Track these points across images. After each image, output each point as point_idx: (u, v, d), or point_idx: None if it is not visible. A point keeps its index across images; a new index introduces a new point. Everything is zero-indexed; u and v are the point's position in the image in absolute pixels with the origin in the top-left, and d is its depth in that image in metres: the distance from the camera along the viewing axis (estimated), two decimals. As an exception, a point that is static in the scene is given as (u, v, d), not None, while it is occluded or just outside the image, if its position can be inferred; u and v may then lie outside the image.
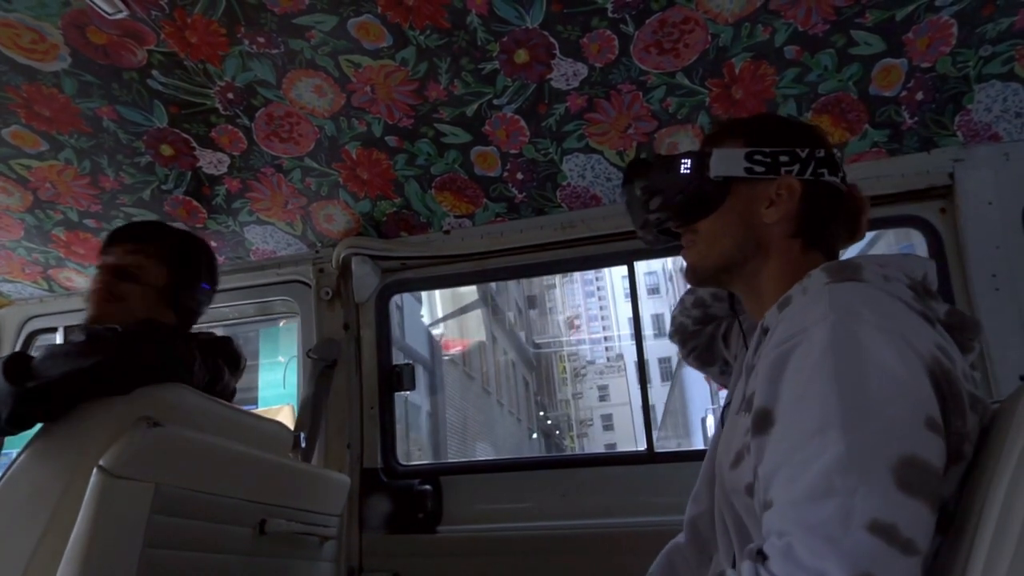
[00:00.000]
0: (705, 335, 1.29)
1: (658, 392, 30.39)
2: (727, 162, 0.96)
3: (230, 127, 1.71)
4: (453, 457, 15.18)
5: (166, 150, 1.77)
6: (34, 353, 1.36)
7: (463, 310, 18.58)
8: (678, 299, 1.35)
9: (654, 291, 35.58)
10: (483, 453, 17.58)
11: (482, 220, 1.93)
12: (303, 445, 1.82)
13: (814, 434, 0.68)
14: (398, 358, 2.11)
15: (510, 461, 3.18)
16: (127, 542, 1.05)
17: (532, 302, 30.77)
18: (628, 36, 1.45)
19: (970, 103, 1.55)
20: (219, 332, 1.73)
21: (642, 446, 1.88)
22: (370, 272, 2.02)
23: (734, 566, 0.87)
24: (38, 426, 1.21)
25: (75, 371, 1.18)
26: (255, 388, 8.43)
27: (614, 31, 1.44)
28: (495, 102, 1.61)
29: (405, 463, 2.04)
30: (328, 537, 1.56)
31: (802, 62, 1.49)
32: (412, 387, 2.08)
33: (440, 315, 17.08)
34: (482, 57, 1.50)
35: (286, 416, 3.13)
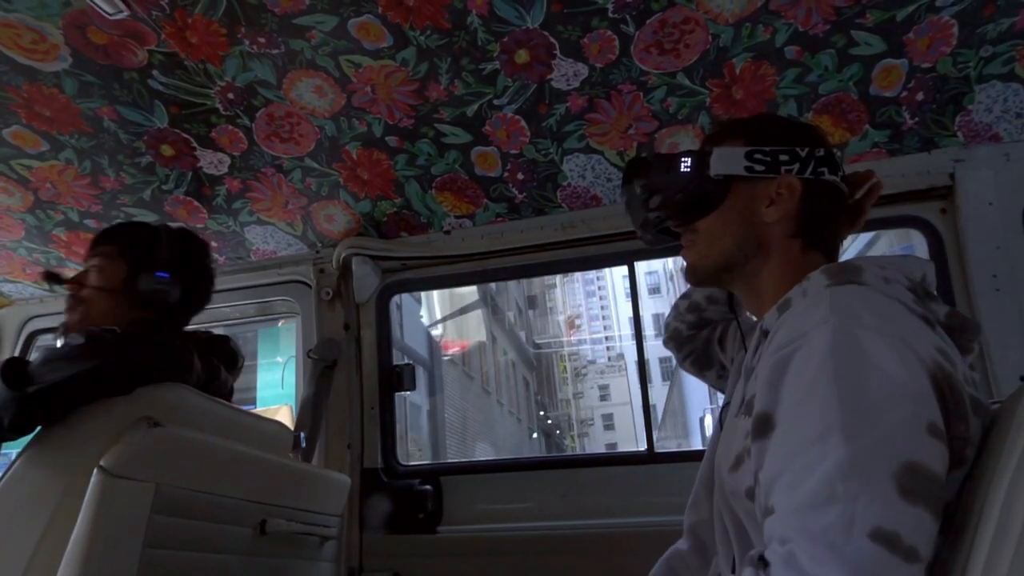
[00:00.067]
0: (701, 339, 1.29)
1: (659, 392, 30.40)
2: (727, 161, 0.96)
3: (230, 127, 1.71)
4: (452, 457, 15.17)
5: (167, 150, 1.77)
6: (35, 353, 1.35)
7: (463, 310, 18.58)
8: (673, 304, 1.35)
9: (655, 291, 35.59)
10: (483, 453, 17.57)
11: (482, 220, 1.93)
12: (303, 445, 1.82)
13: (815, 440, 0.68)
14: (397, 358, 2.11)
15: (510, 461, 3.19)
16: (127, 542, 1.05)
17: (532, 302, 30.76)
18: (629, 36, 1.45)
19: (971, 103, 1.55)
20: (218, 332, 1.72)
21: (643, 446, 1.88)
22: (370, 272, 2.02)
23: (734, 570, 0.87)
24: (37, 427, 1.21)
25: (75, 375, 1.18)
26: (254, 388, 8.44)
27: (614, 31, 1.44)
28: (495, 102, 1.61)
29: (405, 463, 2.04)
30: (328, 537, 1.56)
31: (803, 62, 1.49)
32: (412, 387, 2.08)
33: (439, 315, 17.08)
34: (482, 57, 1.50)
35: (284, 416, 3.13)
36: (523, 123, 1.66)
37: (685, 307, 1.29)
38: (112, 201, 1.92)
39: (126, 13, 1.39)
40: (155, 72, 1.55)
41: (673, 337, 1.32)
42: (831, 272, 0.85)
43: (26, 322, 2.36)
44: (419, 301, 13.47)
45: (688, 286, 1.21)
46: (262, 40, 1.48)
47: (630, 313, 2.12)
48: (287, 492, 1.44)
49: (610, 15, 1.40)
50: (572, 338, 36.57)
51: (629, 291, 2.09)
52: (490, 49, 1.48)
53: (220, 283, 2.05)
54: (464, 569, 1.82)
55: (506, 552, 1.80)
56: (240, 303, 2.21)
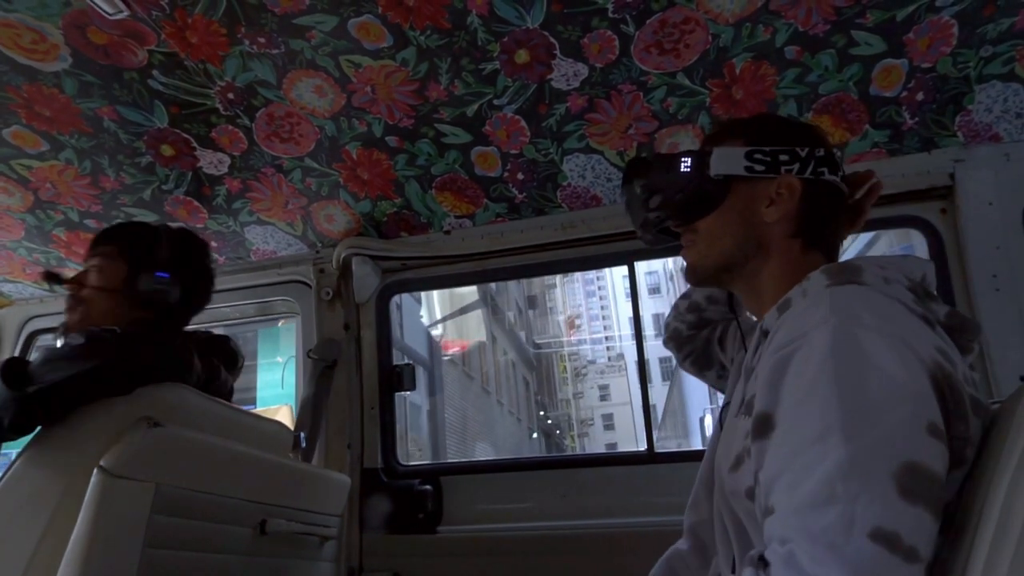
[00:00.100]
0: (701, 339, 1.29)
1: (659, 392, 30.40)
2: (727, 161, 0.96)
3: (230, 127, 1.71)
4: (452, 457, 15.17)
5: (167, 150, 1.77)
6: (35, 353, 1.35)
7: (463, 310, 18.58)
8: (673, 304, 1.34)
9: (655, 291, 35.60)
10: (482, 453, 17.58)
11: (482, 220, 1.93)
12: (303, 445, 1.82)
13: (815, 440, 0.68)
14: (397, 358, 2.11)
15: (510, 461, 3.19)
16: (127, 542, 1.05)
17: (532, 302, 30.76)
18: (629, 36, 1.45)
19: (971, 103, 1.55)
20: (218, 332, 1.72)
21: (643, 446, 1.88)
22: (370, 272, 2.02)
23: (734, 570, 0.87)
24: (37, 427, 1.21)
25: (75, 375, 1.18)
26: (253, 388, 8.44)
27: (615, 31, 1.44)
28: (495, 102, 1.61)
29: (405, 463, 2.04)
30: (328, 537, 1.56)
31: (803, 62, 1.49)
32: (412, 387, 2.08)
33: (439, 316, 17.08)
34: (482, 57, 1.50)
35: (284, 416, 3.13)
36: (523, 123, 1.66)
37: (685, 307, 1.29)
38: (112, 201, 1.92)
39: (126, 13, 1.39)
40: (155, 72, 1.55)
41: (673, 337, 1.32)
42: (831, 272, 0.85)
43: (26, 322, 2.36)
44: (419, 301, 13.48)
45: (688, 286, 1.21)
46: (262, 40, 1.48)
47: (630, 313, 2.12)
48: (287, 492, 1.44)
49: (610, 15, 1.40)
50: (572, 338, 36.57)
51: (629, 291, 2.09)
52: (490, 49, 1.48)
53: (220, 283, 2.04)
54: (464, 569, 1.82)
55: (506, 552, 1.80)
56: (240, 303, 2.21)
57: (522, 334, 26.76)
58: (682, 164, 0.99)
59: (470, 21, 1.42)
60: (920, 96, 1.54)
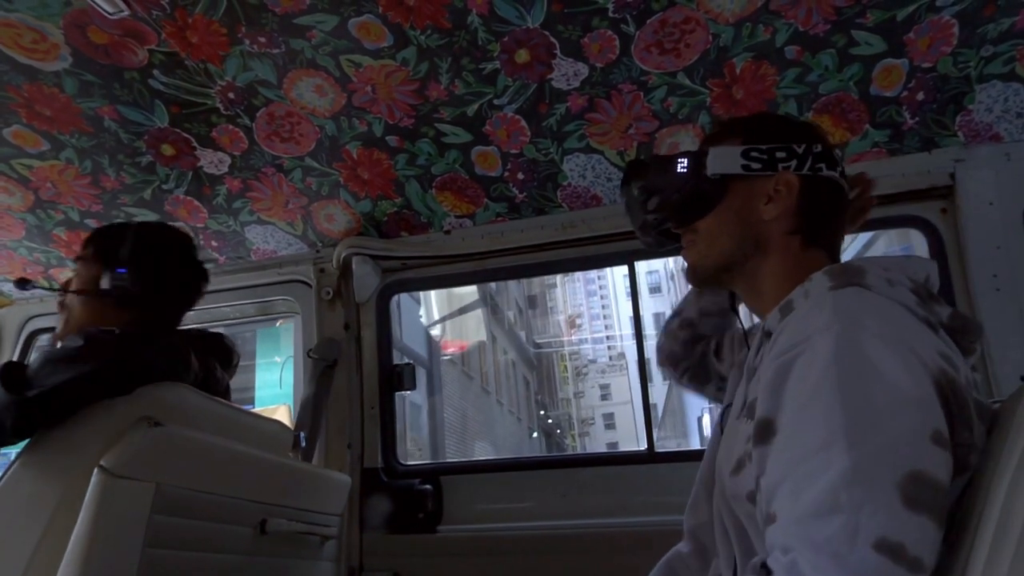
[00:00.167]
0: (696, 355, 1.27)
1: (659, 391, 30.38)
2: (723, 160, 0.96)
3: (231, 127, 1.71)
4: (451, 456, 15.17)
5: (167, 150, 1.77)
6: (35, 353, 1.35)
7: (462, 310, 18.57)
8: (664, 326, 1.32)
9: (655, 290, 35.60)
10: (482, 452, 17.58)
11: (483, 220, 1.93)
12: (303, 445, 1.82)
13: (819, 448, 0.67)
14: (397, 358, 2.11)
15: (510, 461, 3.19)
16: (128, 542, 1.05)
17: (532, 302, 30.75)
18: (629, 36, 1.45)
19: (971, 103, 1.55)
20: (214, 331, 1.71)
21: (643, 445, 1.88)
22: (371, 272, 2.02)
23: (735, 572, 0.86)
24: (38, 429, 1.21)
25: (75, 377, 1.17)
26: (252, 388, 8.44)
27: (615, 31, 1.44)
28: (496, 102, 1.61)
29: (405, 463, 2.04)
30: (329, 537, 1.56)
31: (803, 62, 1.49)
32: (413, 387, 2.08)
33: (438, 315, 17.07)
34: (483, 57, 1.50)
35: (282, 416, 3.13)
36: (523, 123, 1.66)
37: (677, 325, 1.28)
38: (112, 201, 1.92)
39: (126, 13, 1.39)
40: (156, 72, 1.55)
41: (668, 357, 1.30)
42: (834, 273, 0.84)
43: (26, 322, 2.36)
44: (418, 302, 13.48)
45: (681, 295, 1.21)
46: (262, 40, 1.48)
47: (631, 312, 2.12)
48: (287, 492, 1.44)
49: (610, 15, 1.40)
50: (573, 337, 36.58)
51: (629, 291, 2.09)
52: (490, 49, 1.48)
53: (220, 283, 2.04)
54: (464, 569, 1.82)
55: (506, 552, 1.80)
56: (240, 303, 2.20)
57: (522, 334, 26.76)
58: (679, 165, 0.99)
59: (470, 21, 1.42)
60: (920, 96, 1.54)
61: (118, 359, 1.23)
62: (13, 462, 1.17)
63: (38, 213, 1.97)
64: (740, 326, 1.13)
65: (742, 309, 1.16)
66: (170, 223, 1.60)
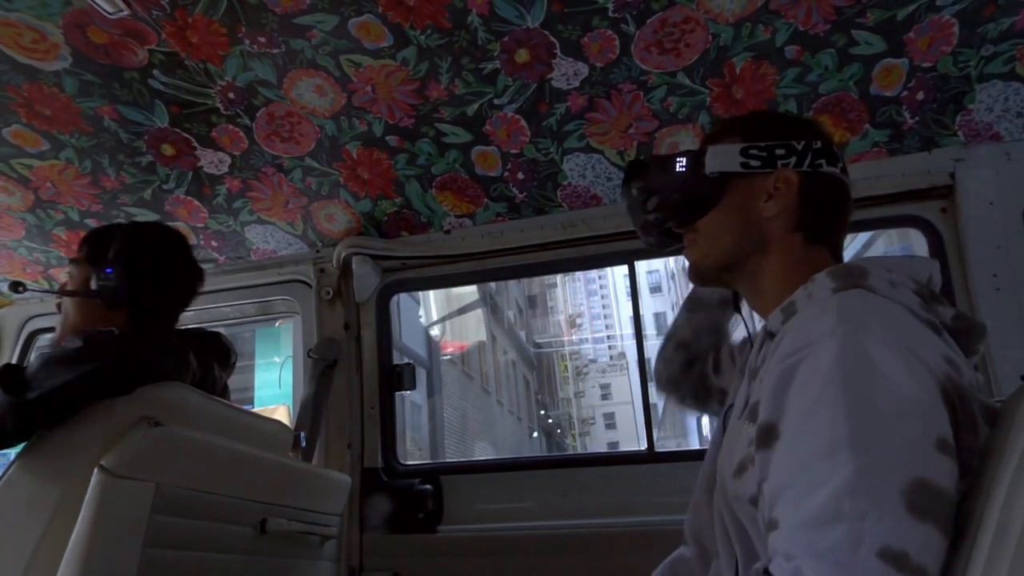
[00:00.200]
0: (695, 376, 1.25)
1: (659, 391, 30.31)
2: (722, 158, 0.96)
3: (231, 127, 1.71)
4: (451, 456, 15.17)
5: (167, 150, 1.77)
6: (35, 353, 1.35)
7: (462, 310, 18.57)
8: (658, 353, 1.30)
9: (656, 289, 35.60)
10: (482, 452, 17.57)
11: (483, 220, 1.93)
12: (303, 445, 1.82)
13: (822, 456, 0.67)
14: (396, 359, 2.11)
15: (510, 461, 3.19)
16: (128, 542, 1.05)
17: (533, 301, 30.75)
18: (629, 36, 1.45)
19: (971, 103, 1.55)
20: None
21: (643, 445, 1.88)
22: (371, 272, 2.02)
23: (737, 573, 0.86)
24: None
25: (76, 378, 1.17)
26: (251, 388, 8.44)
27: (615, 31, 1.44)
28: (496, 102, 1.61)
29: (405, 463, 2.04)
30: (329, 536, 1.56)
31: (803, 62, 1.49)
32: (413, 387, 2.08)
33: (438, 316, 17.07)
34: (483, 57, 1.50)
35: (282, 416, 3.13)
36: (523, 122, 1.66)
37: (672, 349, 1.26)
38: (112, 201, 1.92)
39: (126, 12, 1.39)
40: (156, 72, 1.55)
41: (668, 383, 1.28)
42: (837, 275, 0.83)
43: (26, 322, 2.36)
44: (418, 301, 13.47)
45: (679, 299, 1.20)
46: (262, 40, 1.48)
47: (631, 312, 2.11)
48: (287, 491, 1.44)
49: (610, 14, 1.40)
50: (573, 337, 36.57)
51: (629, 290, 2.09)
52: (490, 48, 1.48)
53: (220, 283, 2.04)
54: (464, 569, 1.82)
55: (506, 552, 1.80)
56: (240, 303, 2.20)
57: (522, 333, 26.76)
58: (678, 164, 0.98)
59: (470, 20, 1.42)
60: (920, 95, 1.54)
61: (118, 359, 1.23)
62: (13, 462, 1.17)
63: (38, 213, 1.97)
64: (746, 327, 1.13)
65: (745, 310, 1.16)
66: (168, 223, 1.60)
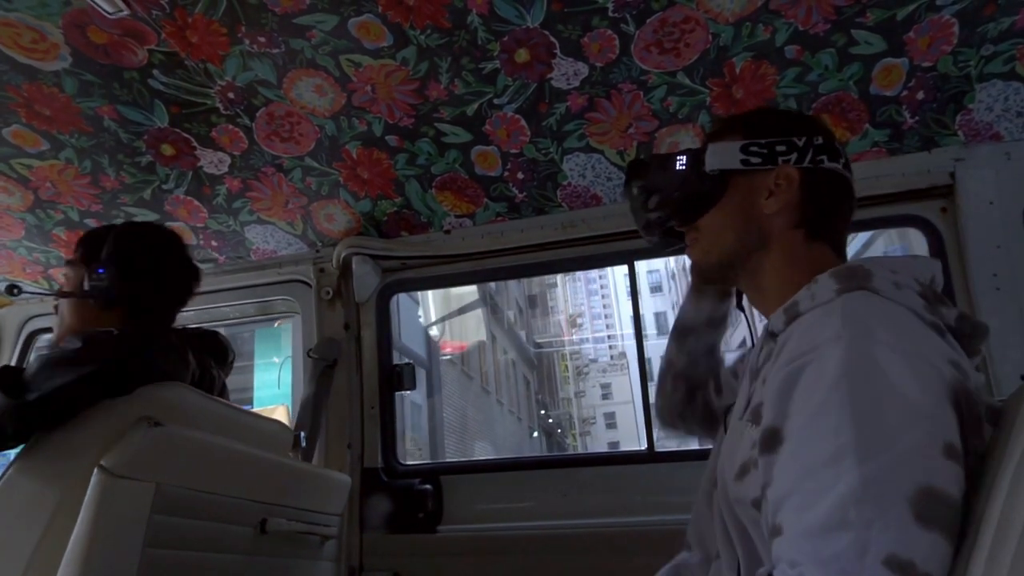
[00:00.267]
0: (699, 406, 1.22)
1: (659, 391, 30.30)
2: (722, 156, 0.96)
3: (231, 127, 1.71)
4: (451, 456, 15.17)
5: (167, 150, 1.77)
6: (35, 353, 1.34)
7: (461, 310, 18.57)
8: (656, 391, 1.26)
9: (656, 289, 35.62)
10: (482, 452, 17.57)
11: (483, 220, 1.93)
12: (303, 445, 1.82)
13: (828, 462, 0.66)
14: (396, 359, 2.11)
15: (511, 461, 3.19)
16: (128, 541, 1.05)
17: (533, 301, 30.74)
18: (629, 35, 1.45)
19: (971, 102, 1.55)
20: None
21: (644, 445, 1.88)
22: (370, 272, 2.02)
23: (738, 574, 0.86)
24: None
25: (75, 379, 1.17)
26: (250, 388, 8.43)
27: (615, 30, 1.44)
28: (496, 101, 1.61)
29: (405, 463, 2.04)
30: (329, 536, 1.56)
31: (803, 62, 1.49)
32: (413, 387, 2.08)
33: (438, 316, 17.07)
34: (483, 56, 1.50)
35: (281, 416, 3.13)
36: (523, 122, 1.66)
37: (672, 383, 1.22)
38: (112, 201, 1.92)
39: (126, 12, 1.39)
40: (155, 71, 1.55)
41: (673, 416, 1.25)
42: (840, 276, 0.82)
43: (26, 322, 2.36)
44: (417, 302, 13.47)
45: (679, 299, 1.19)
46: (262, 39, 1.48)
47: (632, 312, 2.11)
48: (287, 491, 1.44)
49: (610, 14, 1.40)
50: (573, 337, 36.57)
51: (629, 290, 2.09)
52: (490, 48, 1.48)
53: (220, 283, 2.04)
54: (464, 569, 1.82)
55: (506, 552, 1.80)
56: (240, 303, 2.20)
57: (522, 333, 26.75)
58: (678, 163, 0.98)
59: (470, 20, 1.42)
60: (920, 95, 1.54)
61: (117, 360, 1.22)
62: (12, 463, 1.17)
63: (37, 213, 1.97)
64: (748, 324, 1.12)
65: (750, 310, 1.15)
66: (168, 223, 1.60)
